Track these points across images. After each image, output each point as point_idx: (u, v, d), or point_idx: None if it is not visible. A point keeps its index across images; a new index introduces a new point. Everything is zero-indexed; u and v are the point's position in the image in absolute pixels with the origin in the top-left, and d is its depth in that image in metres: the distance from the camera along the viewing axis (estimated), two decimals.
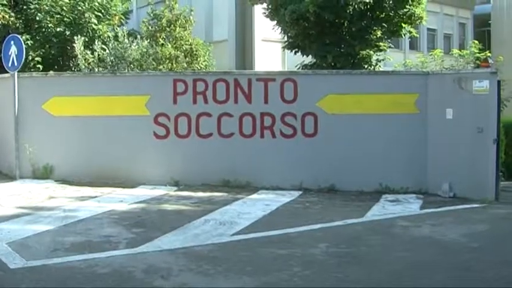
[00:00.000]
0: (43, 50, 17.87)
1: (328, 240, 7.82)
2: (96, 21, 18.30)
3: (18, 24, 18.07)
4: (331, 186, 11.83)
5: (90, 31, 18.13)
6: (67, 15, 18.04)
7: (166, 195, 10.96)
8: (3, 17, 17.93)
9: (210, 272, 6.32)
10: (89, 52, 16.36)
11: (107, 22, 18.88)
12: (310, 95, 12.03)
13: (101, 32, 18.22)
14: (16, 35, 13.67)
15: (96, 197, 10.64)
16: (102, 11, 18.85)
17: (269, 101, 12.05)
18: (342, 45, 16.48)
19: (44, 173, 12.26)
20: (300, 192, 11.51)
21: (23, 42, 13.08)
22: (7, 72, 13.00)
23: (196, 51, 17.35)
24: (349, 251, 7.33)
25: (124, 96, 12.24)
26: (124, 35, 16.55)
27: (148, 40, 16.84)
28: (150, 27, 17.50)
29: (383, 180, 11.79)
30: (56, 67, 17.45)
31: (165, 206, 10.00)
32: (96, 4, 18.57)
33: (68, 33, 17.92)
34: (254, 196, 11.04)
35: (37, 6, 18.06)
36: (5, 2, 18.10)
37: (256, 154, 12.06)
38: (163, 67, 15.94)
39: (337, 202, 10.83)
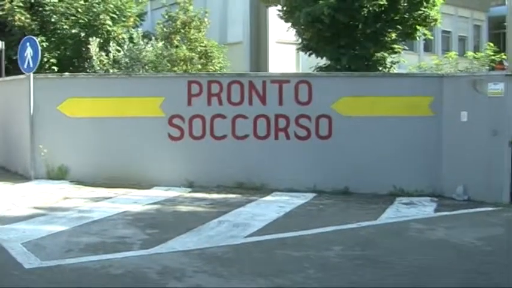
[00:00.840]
0: (58, 52, 18.01)
1: (342, 242, 7.80)
2: (111, 23, 18.40)
3: (33, 26, 18.20)
4: (345, 188, 11.78)
5: (105, 33, 18.23)
6: (82, 17, 18.15)
7: (181, 197, 10.96)
8: (19, 18, 18.09)
9: (224, 273, 6.33)
10: (103, 53, 16.44)
11: (121, 24, 18.97)
12: (325, 97, 12.00)
13: (115, 34, 18.31)
14: (32, 36, 13.77)
15: (110, 198, 10.67)
16: (117, 12, 18.94)
17: (283, 103, 12.03)
18: (357, 48, 16.45)
19: (58, 174, 12.32)
20: (314, 195, 11.48)
21: (38, 43, 13.15)
22: (23, 73, 13.09)
23: (211, 53, 17.40)
24: (364, 253, 7.30)
25: (139, 98, 12.27)
26: (139, 37, 16.62)
27: (163, 42, 16.90)
28: (164, 29, 17.55)
29: (397, 183, 11.73)
30: (70, 68, 17.56)
31: (180, 208, 10.01)
32: (111, 6, 18.67)
33: (82, 34, 18.04)
34: (268, 198, 11.03)
35: (52, 8, 18.20)
36: (21, 4, 18.23)
37: (271, 156, 12.04)
38: (178, 69, 15.99)
39: (351, 204, 10.79)
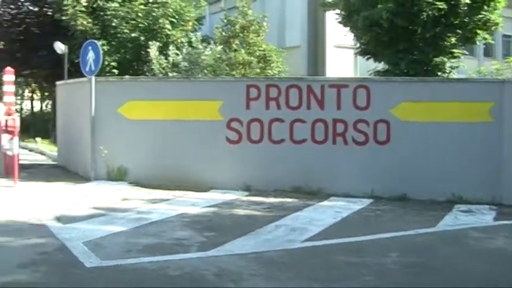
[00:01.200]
0: (118, 55, 18.31)
1: (399, 249, 7.70)
2: (170, 27, 18.61)
3: (95, 30, 18.54)
4: (402, 194, 11.62)
5: (164, 36, 18.46)
6: (142, 21, 18.41)
7: (238, 200, 10.99)
8: (81, 23, 18.46)
9: (280, 277, 6.32)
10: (162, 57, 16.64)
11: (180, 28, 19.17)
12: (383, 102, 11.88)
13: (174, 38, 18.51)
14: (94, 40, 14.03)
15: (168, 199, 10.77)
16: (176, 17, 19.15)
17: (342, 108, 11.95)
18: (415, 52, 16.24)
19: (118, 175, 12.52)
20: (371, 200, 11.36)
21: (100, 47, 13.40)
22: (85, 76, 13.37)
23: (269, 57, 17.41)
24: (421, 261, 7.19)
25: (197, 101, 12.36)
26: (198, 41, 16.76)
27: (222, 46, 16.98)
28: (223, 33, 17.66)
29: (456, 190, 11.50)
30: (130, 72, 17.83)
31: (237, 211, 10.03)
32: (171, 10, 18.88)
33: (142, 38, 18.31)
34: (325, 203, 10.96)
35: (113, 12, 18.51)
36: (83, 9, 18.61)
37: (328, 161, 11.98)
38: (237, 73, 16.05)
39: (408, 211, 10.64)
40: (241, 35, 17.23)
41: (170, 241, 7.77)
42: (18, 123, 12.61)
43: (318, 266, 6.83)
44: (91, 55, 13.02)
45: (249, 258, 7.05)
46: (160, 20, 18.48)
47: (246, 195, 11.46)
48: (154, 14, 18.54)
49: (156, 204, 10.28)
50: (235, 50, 16.69)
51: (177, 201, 10.69)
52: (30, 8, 23.71)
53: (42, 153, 18.69)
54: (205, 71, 15.54)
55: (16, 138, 12.40)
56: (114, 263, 6.73)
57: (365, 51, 17.47)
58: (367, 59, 17.68)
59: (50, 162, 16.75)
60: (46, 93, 27.62)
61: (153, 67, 16.62)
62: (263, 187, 11.84)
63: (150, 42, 16.94)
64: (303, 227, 8.82)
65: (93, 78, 12.83)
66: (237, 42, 17.06)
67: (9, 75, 13.97)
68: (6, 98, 13.98)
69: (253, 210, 10.10)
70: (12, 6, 23.78)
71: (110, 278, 6.30)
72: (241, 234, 8.16)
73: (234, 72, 15.92)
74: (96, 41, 13.85)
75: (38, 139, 19.62)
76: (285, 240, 7.99)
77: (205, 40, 18.36)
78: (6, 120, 13.03)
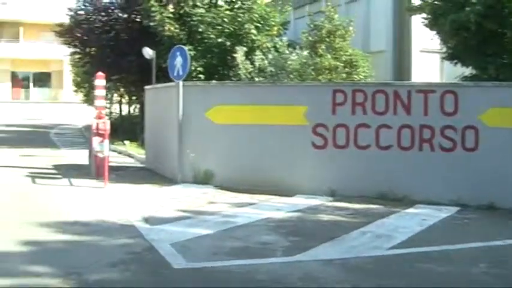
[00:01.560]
0: (205, 60, 18.55)
1: (488, 260, 7.50)
2: (255, 32, 18.73)
3: (182, 36, 18.87)
4: (490, 203, 11.26)
5: (249, 42, 18.59)
6: (228, 27, 18.61)
7: (322, 205, 10.94)
8: (169, 29, 18.82)
9: (365, 285, 6.29)
10: (248, 62, 16.79)
11: (265, 33, 19.27)
12: (472, 107, 11.57)
13: (259, 43, 18.64)
14: (182, 46, 14.30)
15: (253, 204, 10.85)
16: (262, 22, 19.25)
17: (429, 113, 11.73)
18: (504, 56, 15.74)
19: (204, 179, 12.66)
20: (458, 208, 11.07)
21: (188, 52, 13.64)
22: (172, 81, 13.64)
23: (355, 62, 17.29)
24: (511, 272, 7.01)
25: (283, 106, 12.38)
26: (284, 46, 16.83)
27: (308, 50, 16.99)
28: (310, 38, 17.65)
29: None
30: (216, 76, 18.05)
31: (321, 216, 9.99)
32: (256, 15, 19.01)
33: (228, 43, 18.50)
34: (410, 210, 10.77)
35: (200, 18, 18.79)
36: (170, 15, 18.99)
37: (414, 167, 11.76)
38: (323, 78, 16.02)
39: (496, 220, 10.34)
40: (327, 39, 17.18)
41: (256, 245, 7.85)
42: (108, 126, 12.99)
43: (404, 274, 6.76)
44: (179, 60, 13.28)
45: (334, 264, 7.05)
46: (246, 25, 18.62)
47: (331, 201, 11.39)
48: (240, 19, 18.71)
49: (242, 208, 10.37)
50: (321, 55, 16.66)
51: (262, 205, 10.74)
52: (120, 15, 24.30)
53: (130, 155, 19.16)
54: (291, 76, 15.56)
55: (106, 141, 12.78)
56: (201, 265, 6.87)
57: (452, 55, 17.06)
58: (455, 64, 17.27)
59: (138, 164, 17.15)
60: (134, 97, 28.29)
61: (239, 72, 16.80)
62: (347, 193, 11.72)
63: (237, 48, 17.11)
64: (388, 234, 8.72)
65: (181, 82, 13.06)
66: (323, 47, 17.01)
67: (100, 80, 14.39)
68: (97, 102, 14.42)
69: (337, 216, 10.05)
70: (102, 14, 24.48)
71: (197, 279, 6.43)
72: (326, 239, 8.15)
73: (320, 77, 15.88)
74: (184, 47, 14.11)
75: (127, 142, 20.12)
76: (370, 247, 7.93)
77: (291, 45, 18.39)
78: (97, 124, 13.44)
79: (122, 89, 29.40)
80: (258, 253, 7.45)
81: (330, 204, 11.12)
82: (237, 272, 6.62)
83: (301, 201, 11.26)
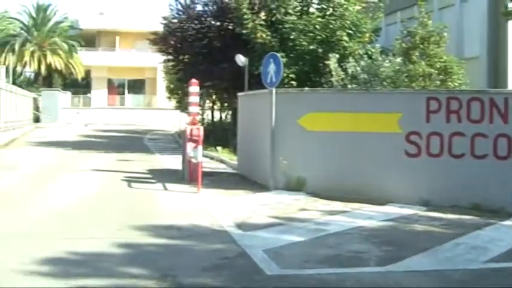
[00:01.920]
0: (296, 67, 18.56)
1: None
2: (347, 39, 18.61)
3: (274, 43, 18.96)
4: None
5: (341, 48, 18.49)
6: (319, 34, 18.56)
7: (416, 215, 10.70)
8: (261, 36, 18.95)
9: None
10: (339, 69, 16.68)
11: (357, 39, 19.12)
12: None
13: (351, 50, 18.50)
14: (275, 53, 14.37)
15: (345, 212, 10.74)
16: (353, 28, 19.11)
17: None
18: None
19: (296, 185, 12.63)
20: None
21: (281, 60, 13.68)
22: (263, 87, 13.72)
23: (450, 68, 16.84)
24: None
25: (376, 113, 12.22)
26: (377, 52, 16.63)
27: (401, 57, 16.70)
28: (403, 44, 17.36)
29: None
30: (308, 83, 18.02)
31: (415, 226, 9.79)
32: (348, 22, 18.88)
33: (320, 50, 18.45)
34: (507, 222, 10.32)
35: (292, 25, 18.82)
36: (262, 23, 19.12)
37: (511, 178, 11.38)
38: (416, 85, 15.70)
39: None
40: (421, 46, 16.82)
41: (348, 253, 7.76)
42: (202, 132, 13.19)
43: None
44: (272, 67, 13.35)
45: (428, 275, 6.91)
46: (338, 32, 18.52)
47: (424, 211, 11.11)
48: (331, 26, 18.62)
49: (334, 216, 10.29)
50: (415, 62, 16.32)
51: (354, 213, 10.63)
52: (213, 22, 24.64)
53: (222, 161, 19.40)
54: (385, 83, 15.34)
55: (200, 147, 12.99)
56: (293, 272, 6.85)
57: None
58: None
59: (230, 170, 17.33)
60: (226, 104, 28.64)
61: (331, 79, 16.72)
62: (441, 203, 11.42)
63: (330, 55, 17.04)
64: (484, 246, 8.43)
65: (274, 90, 13.11)
66: (417, 53, 16.67)
67: (194, 87, 14.66)
68: (191, 108, 14.69)
69: (431, 226, 9.81)
70: (196, 22, 24.89)
71: (289, 286, 6.41)
72: (420, 250, 7.96)
73: (413, 85, 15.56)
74: (277, 54, 14.17)
75: (219, 148, 20.39)
76: (465, 259, 7.69)
77: (384, 52, 18.14)
78: (191, 130, 13.68)
79: (214, 96, 29.80)
80: (350, 262, 7.37)
81: (423, 214, 10.87)
82: (329, 280, 6.57)
83: (394, 210, 11.06)
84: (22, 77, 62.93)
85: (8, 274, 5.26)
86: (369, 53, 18.12)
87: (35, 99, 46.30)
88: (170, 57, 27.34)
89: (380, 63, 15.85)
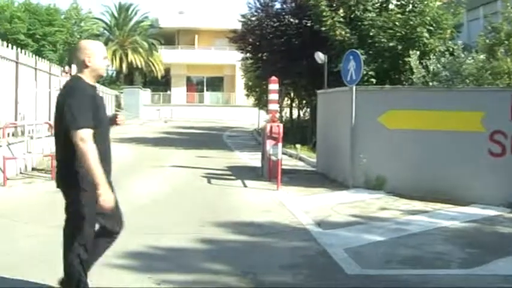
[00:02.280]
0: (376, 64, 18.37)
1: None
2: (427, 36, 18.28)
3: (353, 40, 18.82)
4: None
5: (421, 45, 18.19)
6: (399, 30, 18.30)
7: (500, 217, 10.39)
8: (339, 33, 18.84)
9: None
10: (419, 66, 16.41)
11: (438, 36, 18.75)
12: None
13: (432, 46, 18.17)
14: (355, 50, 14.28)
15: (426, 212, 10.55)
16: (434, 24, 18.75)
17: None
18: None
19: (376, 184, 12.54)
20: None
21: (361, 57, 13.59)
22: (341, 85, 13.66)
23: None
24: None
25: (458, 112, 11.96)
26: (459, 49, 16.26)
27: (485, 54, 16.26)
28: (487, 41, 16.90)
29: None
30: (387, 81, 17.83)
31: (499, 228, 9.51)
32: (428, 18, 18.53)
33: (399, 47, 18.21)
34: None
35: (370, 22, 18.63)
36: (341, 20, 19.01)
37: None
38: (501, 82, 15.26)
39: None
40: (506, 42, 16.31)
41: (430, 255, 7.63)
42: (281, 130, 13.25)
43: None
44: (352, 64, 13.27)
45: None
46: (418, 29, 18.21)
47: (508, 212, 10.77)
48: (411, 22, 18.32)
49: (415, 216, 10.13)
50: (499, 59, 15.84)
51: (436, 213, 10.43)
52: (291, 20, 24.70)
53: (301, 159, 19.41)
54: (467, 81, 14.98)
55: (280, 144, 13.05)
56: (374, 273, 6.80)
57: None
58: None
59: (309, 168, 17.33)
60: (304, 101, 28.62)
61: (411, 76, 16.46)
62: None
63: (410, 52, 16.78)
64: None
65: (354, 87, 13.03)
66: (502, 50, 16.18)
67: (273, 84, 14.73)
68: (270, 106, 14.76)
69: None
70: (274, 20, 25.02)
71: (370, 287, 6.37)
72: (506, 254, 7.73)
73: (497, 82, 15.13)
74: (357, 51, 14.07)
75: (298, 145, 20.41)
76: None
77: (467, 48, 17.71)
78: (271, 127, 13.75)
79: (292, 93, 29.84)
80: (432, 263, 7.24)
81: (508, 215, 10.54)
82: (411, 282, 6.48)
83: (477, 211, 10.80)
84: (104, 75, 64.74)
85: (93, 267, 5.44)
86: (450, 49, 17.74)
87: (117, 97, 47.49)
88: (249, 54, 27.58)
89: (462, 60, 15.46)
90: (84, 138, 4.73)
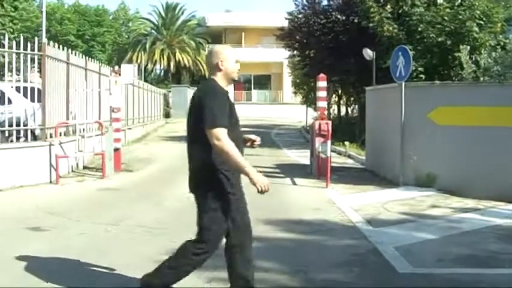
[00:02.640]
0: (425, 60, 18.17)
1: None
2: (477, 30, 18.00)
3: (401, 36, 18.64)
4: None
5: (471, 40, 17.91)
6: (448, 25, 18.06)
7: None
8: (387, 29, 18.68)
9: None
10: (469, 61, 16.17)
11: (488, 30, 18.43)
12: None
13: (482, 41, 17.87)
14: (404, 46, 14.13)
15: (479, 209, 10.40)
16: (484, 18, 18.44)
17: None
18: None
19: (426, 181, 12.41)
20: None
21: (410, 53, 13.46)
22: (392, 81, 13.54)
23: None
24: None
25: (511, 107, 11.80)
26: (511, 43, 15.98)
27: None
28: None
29: None
30: (436, 77, 17.61)
31: None
32: (478, 12, 18.24)
33: (448, 42, 17.97)
34: None
35: (419, 17, 18.42)
36: (389, 15, 18.84)
37: None
38: None
39: None
40: None
41: (483, 253, 7.50)
42: (330, 127, 13.22)
43: None
44: (401, 61, 13.13)
45: None
46: (467, 23, 17.93)
47: None
48: (460, 17, 18.05)
49: (467, 214, 10.00)
50: None
51: (488, 211, 10.27)
52: (338, 17, 24.65)
53: (349, 156, 19.35)
54: None
55: (329, 142, 13.04)
56: (426, 271, 6.72)
57: None
58: None
59: (358, 165, 17.27)
60: (352, 98, 28.49)
61: (462, 72, 16.23)
62: None
63: (460, 46, 16.54)
64: None
65: (403, 83, 12.91)
66: None
67: (322, 82, 14.70)
68: (319, 103, 14.74)
69: None
70: (321, 16, 25.00)
71: (423, 286, 6.31)
72: None
73: None
74: (406, 47, 13.93)
75: (347, 143, 20.34)
76: None
77: None
78: (320, 124, 13.73)
79: (340, 90, 29.72)
80: (486, 262, 7.12)
81: None
82: (463, 281, 6.37)
83: None
84: (153, 74, 65.49)
85: (147, 263, 5.53)
86: (502, 43, 17.42)
87: (165, 95, 47.95)
88: (296, 52, 27.58)
89: None
90: (220, 136, 4.82)
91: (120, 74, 16.24)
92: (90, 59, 18.16)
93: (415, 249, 7.68)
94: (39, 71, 13.49)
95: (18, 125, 13.30)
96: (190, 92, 53.42)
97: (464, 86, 13.61)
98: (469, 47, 16.57)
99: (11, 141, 13.12)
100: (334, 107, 32.30)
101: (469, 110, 12.17)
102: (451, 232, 8.62)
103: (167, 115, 46.36)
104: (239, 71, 5.40)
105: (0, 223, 8.85)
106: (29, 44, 13.14)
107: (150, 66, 60.59)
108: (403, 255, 7.29)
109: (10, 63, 15.33)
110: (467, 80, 14.99)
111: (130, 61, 53.24)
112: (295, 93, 40.85)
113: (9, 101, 14.03)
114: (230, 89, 43.61)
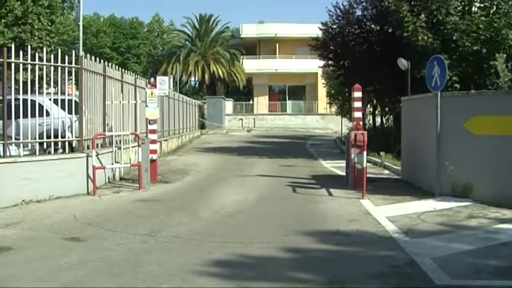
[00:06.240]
0: (460, 69, 18.06)
1: None
2: None
3: (435, 45, 18.55)
4: None
5: (507, 48, 17.75)
6: (483, 33, 17.93)
7: None
8: (422, 38, 18.60)
9: None
10: (506, 70, 16.03)
11: None
12: None
13: None
14: (439, 55, 14.06)
15: None
16: None
17: None
18: None
19: (462, 192, 12.31)
20: None
21: (445, 62, 13.37)
22: (427, 91, 13.47)
23: None
24: None
25: None
26: None
27: None
28: None
29: None
30: (471, 85, 17.48)
31: None
32: None
33: (484, 51, 17.84)
34: None
35: (453, 26, 18.32)
36: (423, 25, 18.75)
37: None
38: None
39: None
40: None
41: None
42: (366, 138, 13.19)
43: None
44: (436, 70, 13.06)
45: None
46: (503, 31, 17.78)
47: None
48: (496, 25, 17.92)
49: (505, 225, 9.87)
50: None
51: None
52: (373, 26, 24.60)
53: (385, 167, 19.26)
54: None
55: (364, 153, 12.99)
56: (463, 283, 6.67)
57: None
58: None
59: (394, 176, 17.19)
60: (387, 109, 28.33)
61: (498, 80, 16.09)
62: None
63: (496, 55, 16.41)
64: None
65: (439, 93, 12.83)
66: None
67: (357, 92, 14.67)
68: (354, 114, 14.72)
69: None
70: (355, 26, 24.98)
71: None
72: None
73: None
74: (441, 56, 13.85)
75: (382, 153, 20.26)
76: None
77: None
78: (355, 135, 13.71)
79: (375, 101, 29.61)
80: None
81: None
82: None
83: None
84: (187, 85, 65.97)
85: (182, 274, 5.60)
86: None
87: (200, 107, 48.27)
88: (331, 62, 27.55)
89: None
90: None
91: (155, 86, 16.40)
92: (125, 71, 18.39)
93: (453, 260, 7.64)
94: (76, 83, 13.72)
95: (56, 136, 13.55)
96: (226, 103, 53.79)
97: (500, 94, 13.48)
98: (505, 55, 16.45)
99: (49, 152, 13.36)
100: (369, 117, 32.16)
101: (506, 119, 12.04)
102: (488, 243, 8.54)
103: (202, 126, 46.63)
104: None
105: (39, 233, 9.03)
106: (66, 57, 13.40)
107: (184, 77, 61.00)
108: (441, 266, 7.25)
109: (47, 75, 15.61)
110: (503, 89, 14.86)
111: (165, 73, 53.66)
112: (329, 103, 40.75)
113: (47, 113, 14.27)
114: (264, 100, 43.95)
